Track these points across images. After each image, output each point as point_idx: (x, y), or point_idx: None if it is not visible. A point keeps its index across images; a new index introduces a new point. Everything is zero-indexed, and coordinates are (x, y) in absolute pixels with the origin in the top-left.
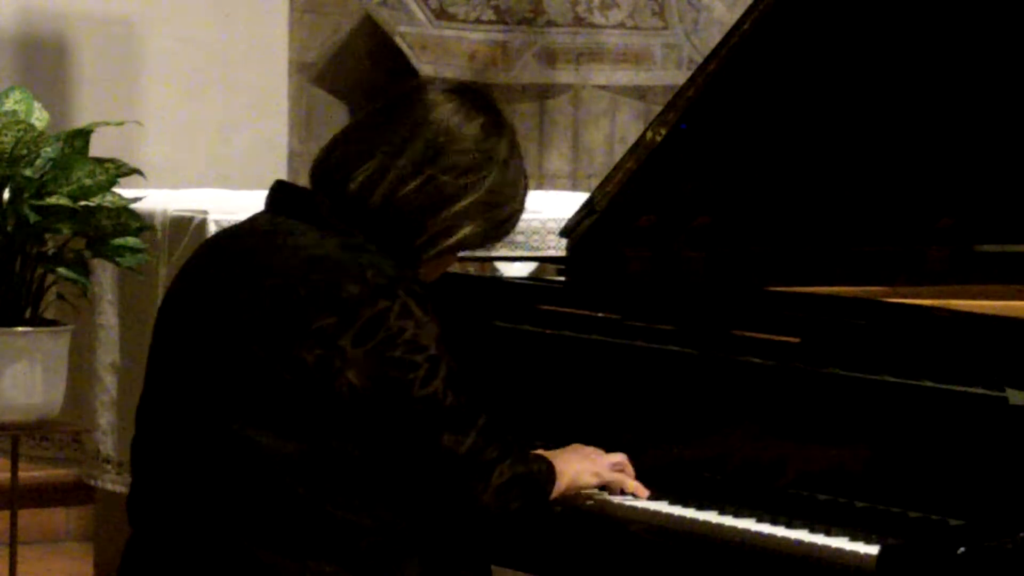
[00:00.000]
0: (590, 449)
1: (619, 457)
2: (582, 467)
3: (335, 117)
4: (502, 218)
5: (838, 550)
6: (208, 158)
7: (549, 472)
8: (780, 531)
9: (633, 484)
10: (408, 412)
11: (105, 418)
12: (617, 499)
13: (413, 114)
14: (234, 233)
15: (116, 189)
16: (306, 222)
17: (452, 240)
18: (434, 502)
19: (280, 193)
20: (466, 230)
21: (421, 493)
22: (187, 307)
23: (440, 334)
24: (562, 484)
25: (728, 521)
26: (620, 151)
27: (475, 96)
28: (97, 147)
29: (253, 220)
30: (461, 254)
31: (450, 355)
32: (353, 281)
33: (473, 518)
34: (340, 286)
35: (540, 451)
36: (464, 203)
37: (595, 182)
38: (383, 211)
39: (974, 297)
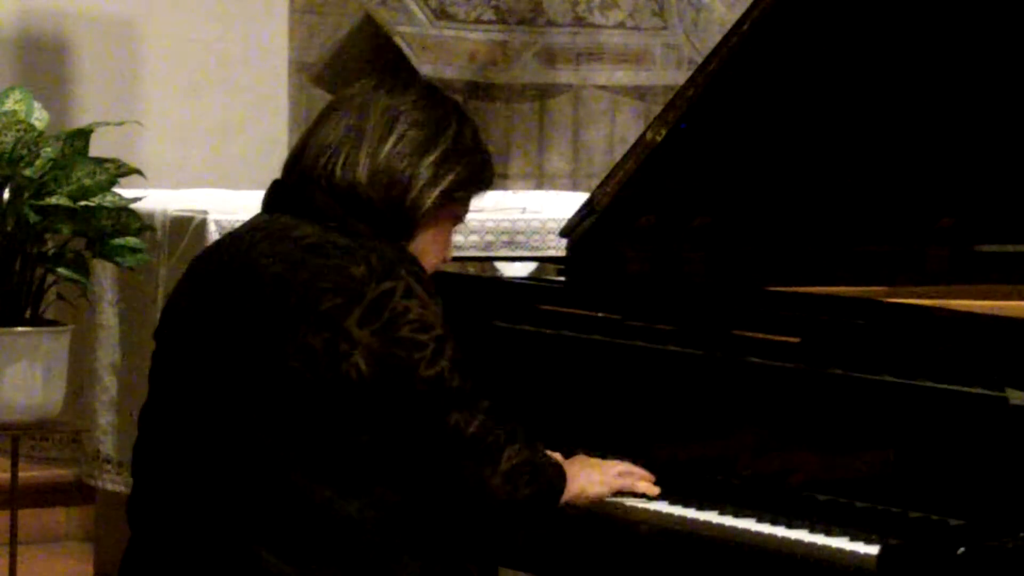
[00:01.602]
0: (593, 460)
1: (623, 466)
2: (589, 476)
3: None
4: (480, 162)
5: (838, 550)
6: (208, 158)
7: (559, 469)
8: (780, 531)
9: (643, 485)
10: (414, 392)
11: (105, 418)
12: (617, 499)
13: (355, 102)
14: (234, 235)
15: (116, 189)
16: (305, 218)
17: (442, 186)
18: (443, 489)
19: (277, 192)
20: (451, 177)
21: (429, 480)
22: (190, 308)
23: (444, 314)
24: (572, 490)
25: (728, 521)
26: (620, 151)
27: (399, 80)
28: (97, 147)
29: (252, 221)
30: (461, 254)
31: (454, 336)
32: (356, 264)
33: (483, 505)
34: (344, 269)
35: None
36: (439, 151)
37: (595, 182)
38: (371, 184)
39: (974, 297)
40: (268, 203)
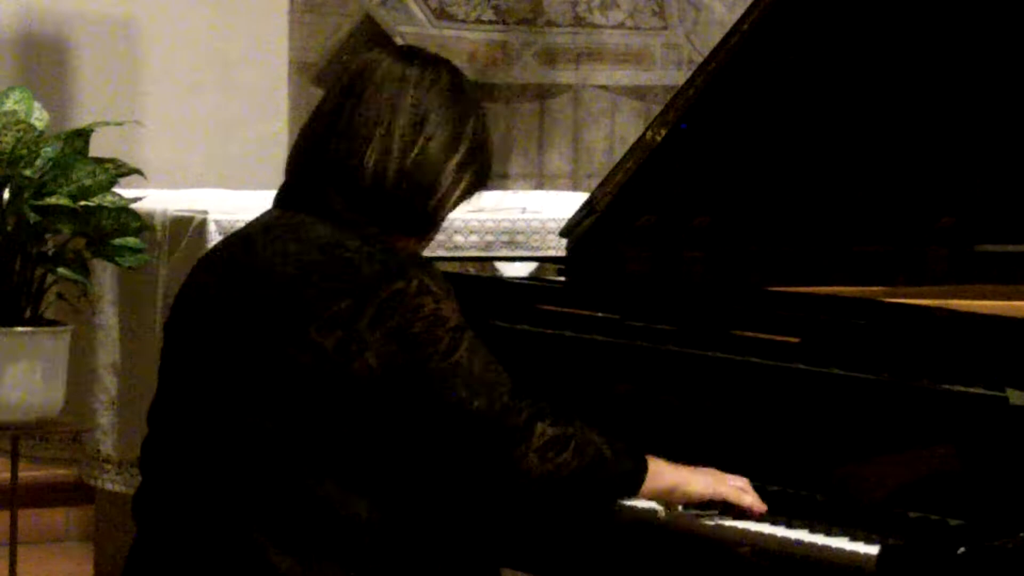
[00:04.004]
0: (712, 470)
1: (741, 482)
2: (697, 475)
3: None
4: (487, 158)
5: (838, 550)
6: (208, 158)
7: (621, 451)
8: (780, 531)
9: (749, 500)
10: (433, 382)
11: (105, 418)
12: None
13: (385, 91)
14: (246, 233)
15: (116, 189)
16: (319, 217)
17: (459, 191)
18: (481, 482)
19: (290, 190)
20: (467, 179)
21: (466, 476)
22: (201, 305)
23: (460, 308)
24: (664, 481)
25: (727, 521)
26: (620, 151)
27: (428, 58)
28: (97, 147)
29: (264, 218)
30: (461, 254)
31: (472, 327)
32: (368, 264)
33: (524, 489)
34: (355, 270)
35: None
36: (460, 154)
37: (595, 182)
38: (397, 185)
39: (974, 297)
40: (282, 199)
